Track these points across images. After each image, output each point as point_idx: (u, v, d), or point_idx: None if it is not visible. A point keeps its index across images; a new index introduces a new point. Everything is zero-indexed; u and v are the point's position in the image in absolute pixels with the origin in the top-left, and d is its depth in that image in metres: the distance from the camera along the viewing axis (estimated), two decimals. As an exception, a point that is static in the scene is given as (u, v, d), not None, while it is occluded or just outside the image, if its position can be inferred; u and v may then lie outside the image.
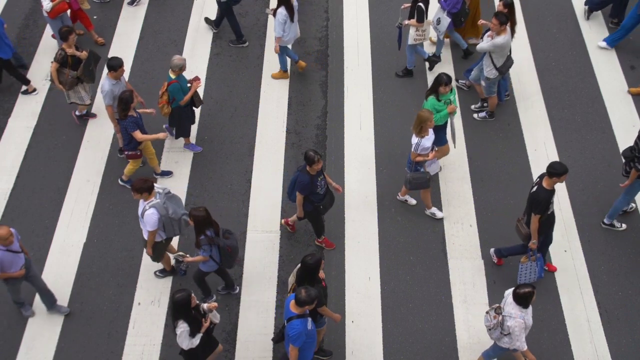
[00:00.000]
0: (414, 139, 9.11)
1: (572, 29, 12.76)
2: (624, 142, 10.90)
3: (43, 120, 11.24)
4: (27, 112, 11.36)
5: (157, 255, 8.79)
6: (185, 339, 7.28)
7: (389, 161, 10.65)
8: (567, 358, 8.58)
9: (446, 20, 11.28)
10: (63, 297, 9.07)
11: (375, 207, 10.07)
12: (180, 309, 7.17)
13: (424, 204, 9.95)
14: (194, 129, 11.01)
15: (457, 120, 11.14)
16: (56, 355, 8.61)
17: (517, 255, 9.30)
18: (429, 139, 9.10)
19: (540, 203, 8.28)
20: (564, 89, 11.73)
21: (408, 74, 11.87)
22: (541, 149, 10.83)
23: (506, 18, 10.02)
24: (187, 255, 8.43)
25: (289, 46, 11.71)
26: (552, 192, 8.28)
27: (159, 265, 9.30)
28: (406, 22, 11.16)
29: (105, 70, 9.97)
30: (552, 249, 9.58)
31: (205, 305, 7.49)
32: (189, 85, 9.99)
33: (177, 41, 12.56)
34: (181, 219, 8.42)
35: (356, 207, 10.07)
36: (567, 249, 9.56)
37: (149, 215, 8.16)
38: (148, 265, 9.39)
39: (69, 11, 11.79)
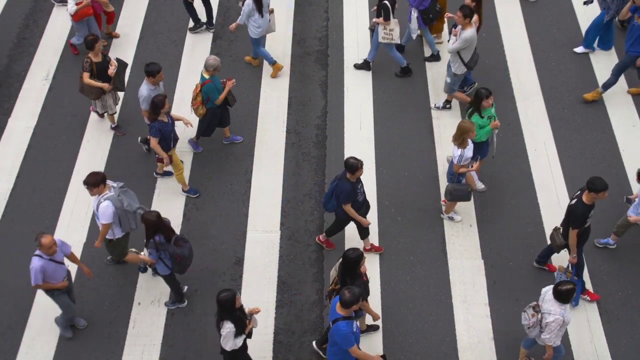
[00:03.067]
0: (456, 151, 9.00)
1: (572, 29, 12.76)
2: (624, 142, 10.91)
3: (43, 120, 11.25)
4: (27, 112, 11.36)
5: (118, 253, 8.79)
6: (230, 340, 7.27)
7: (389, 161, 10.65)
8: (567, 358, 8.57)
9: (414, 17, 11.35)
10: (63, 297, 9.09)
11: (375, 207, 10.07)
12: (226, 308, 7.16)
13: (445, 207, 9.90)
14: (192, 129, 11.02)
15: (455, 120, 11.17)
16: (56, 355, 8.61)
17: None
18: (470, 149, 9.00)
19: (577, 217, 8.13)
20: (564, 89, 11.73)
21: (406, 73, 11.88)
22: (541, 149, 10.83)
23: (470, 11, 10.03)
24: (142, 253, 8.43)
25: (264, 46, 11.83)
26: (591, 207, 8.12)
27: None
28: (374, 19, 11.21)
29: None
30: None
31: (246, 309, 7.51)
32: (222, 85, 10.01)
33: (177, 41, 12.56)
34: (136, 212, 8.44)
35: (356, 207, 10.07)
36: (567, 249, 9.54)
37: (103, 208, 8.17)
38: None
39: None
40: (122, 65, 10.36)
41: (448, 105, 11.27)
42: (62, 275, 7.97)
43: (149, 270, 9.33)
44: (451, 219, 9.86)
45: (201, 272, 9.37)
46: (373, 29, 11.46)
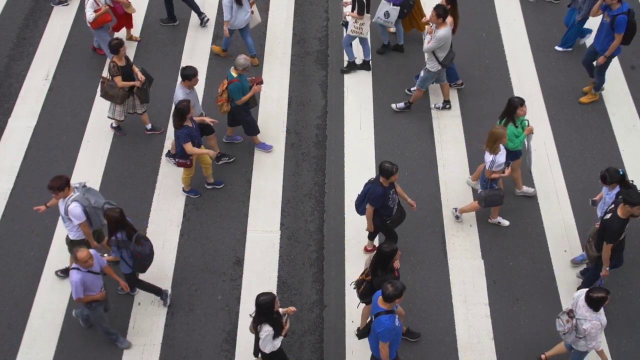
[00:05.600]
0: (488, 157, 8.93)
1: (572, 29, 12.76)
2: (624, 142, 10.91)
3: (43, 120, 11.25)
4: (27, 112, 11.36)
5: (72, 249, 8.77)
6: (269, 342, 7.33)
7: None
8: (567, 358, 8.57)
9: (395, 11, 11.42)
10: (63, 297, 9.08)
11: (375, 207, 10.07)
12: (265, 312, 7.20)
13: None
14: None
15: (455, 120, 11.18)
16: (56, 355, 8.61)
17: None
18: (502, 155, 8.94)
19: (613, 232, 8.01)
20: (564, 89, 11.72)
21: (352, 67, 11.95)
22: (541, 149, 10.82)
23: (444, 11, 10.09)
24: (105, 255, 8.42)
25: (249, 38, 11.84)
26: (626, 220, 8.00)
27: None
28: (347, 12, 11.28)
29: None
30: (552, 249, 9.59)
31: (281, 310, 7.53)
32: (250, 83, 9.99)
33: (177, 41, 12.56)
34: (104, 207, 8.44)
35: (356, 207, 10.07)
36: (567, 249, 9.55)
37: (73, 209, 8.17)
38: (148, 265, 9.40)
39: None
40: (148, 78, 10.38)
41: (448, 106, 11.28)
42: (99, 286, 7.94)
43: (152, 271, 9.33)
44: (457, 217, 9.85)
45: (201, 272, 9.38)
46: (345, 24, 11.50)
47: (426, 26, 10.64)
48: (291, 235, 9.79)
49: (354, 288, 8.19)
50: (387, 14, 11.54)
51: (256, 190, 10.32)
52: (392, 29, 12.30)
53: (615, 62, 12.12)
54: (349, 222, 9.90)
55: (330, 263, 9.49)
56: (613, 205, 8.14)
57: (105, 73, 11.38)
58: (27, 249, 9.58)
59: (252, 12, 11.60)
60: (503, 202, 9.36)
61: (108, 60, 12.06)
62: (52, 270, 9.34)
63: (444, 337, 8.76)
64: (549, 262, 9.45)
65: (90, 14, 11.06)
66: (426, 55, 10.57)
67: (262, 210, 10.06)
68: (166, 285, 9.22)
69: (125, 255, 8.19)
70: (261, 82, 10.18)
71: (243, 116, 10.23)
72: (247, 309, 9.00)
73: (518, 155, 9.56)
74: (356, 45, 12.28)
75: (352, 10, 11.19)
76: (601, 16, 10.72)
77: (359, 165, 10.60)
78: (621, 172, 8.39)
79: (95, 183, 10.33)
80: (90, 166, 10.57)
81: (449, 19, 10.42)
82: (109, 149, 10.82)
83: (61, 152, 10.80)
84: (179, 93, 9.57)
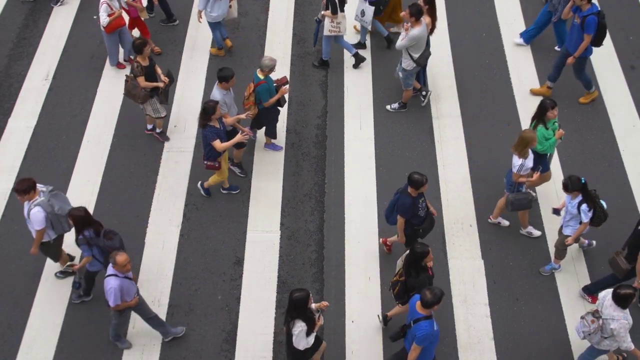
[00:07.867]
0: (517, 160, 8.84)
1: (572, 29, 12.76)
2: (624, 142, 10.91)
3: (43, 120, 11.25)
4: (27, 112, 11.37)
5: (53, 254, 8.76)
6: (303, 339, 7.33)
7: (389, 161, 10.65)
8: (567, 358, 8.58)
9: (370, 10, 11.48)
10: (63, 297, 9.08)
11: (375, 207, 10.07)
12: (299, 308, 7.20)
13: (519, 223, 9.72)
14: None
15: (457, 122, 11.19)
16: (56, 355, 8.61)
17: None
18: (531, 159, 8.86)
19: None
20: (564, 89, 11.72)
21: (324, 64, 12.00)
22: (541, 149, 10.82)
23: (417, 10, 10.11)
24: (75, 264, 8.41)
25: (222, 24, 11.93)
26: None
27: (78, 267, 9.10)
28: (322, 12, 11.34)
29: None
30: (552, 249, 9.58)
31: (314, 305, 7.53)
32: (275, 85, 9.97)
33: (177, 41, 12.56)
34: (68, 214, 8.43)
35: (356, 207, 10.07)
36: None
37: (34, 214, 8.14)
38: (149, 265, 9.40)
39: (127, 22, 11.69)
40: (170, 79, 10.37)
41: (423, 93, 11.30)
42: (133, 292, 7.90)
43: (152, 271, 9.33)
44: (529, 234, 9.71)
45: (201, 272, 9.38)
46: (319, 21, 11.54)
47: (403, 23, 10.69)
48: (291, 235, 9.79)
49: (390, 289, 8.26)
50: (362, 13, 11.62)
51: (256, 190, 10.32)
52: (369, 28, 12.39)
53: (615, 62, 12.14)
54: (349, 222, 9.91)
55: (330, 263, 9.49)
56: None
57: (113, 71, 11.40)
58: (27, 249, 9.57)
59: (231, 7, 11.61)
60: (532, 205, 9.27)
61: (108, 62, 12.07)
62: (52, 270, 9.34)
63: (444, 337, 8.76)
64: (549, 262, 9.45)
65: (104, 19, 11.02)
66: (403, 55, 10.57)
67: (262, 210, 10.06)
68: (166, 285, 9.23)
69: (95, 253, 8.14)
70: (287, 83, 10.12)
71: (270, 119, 10.22)
72: (247, 309, 9.00)
73: (547, 166, 9.45)
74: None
75: (326, 10, 11.22)
76: (572, 17, 10.75)
77: (359, 165, 10.60)
78: (583, 181, 8.38)
79: (95, 183, 10.34)
80: (90, 166, 10.58)
81: (427, 19, 10.44)
82: (109, 149, 10.82)
83: (61, 152, 10.80)
84: (216, 94, 9.54)
